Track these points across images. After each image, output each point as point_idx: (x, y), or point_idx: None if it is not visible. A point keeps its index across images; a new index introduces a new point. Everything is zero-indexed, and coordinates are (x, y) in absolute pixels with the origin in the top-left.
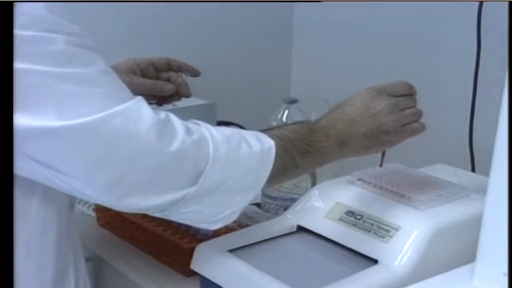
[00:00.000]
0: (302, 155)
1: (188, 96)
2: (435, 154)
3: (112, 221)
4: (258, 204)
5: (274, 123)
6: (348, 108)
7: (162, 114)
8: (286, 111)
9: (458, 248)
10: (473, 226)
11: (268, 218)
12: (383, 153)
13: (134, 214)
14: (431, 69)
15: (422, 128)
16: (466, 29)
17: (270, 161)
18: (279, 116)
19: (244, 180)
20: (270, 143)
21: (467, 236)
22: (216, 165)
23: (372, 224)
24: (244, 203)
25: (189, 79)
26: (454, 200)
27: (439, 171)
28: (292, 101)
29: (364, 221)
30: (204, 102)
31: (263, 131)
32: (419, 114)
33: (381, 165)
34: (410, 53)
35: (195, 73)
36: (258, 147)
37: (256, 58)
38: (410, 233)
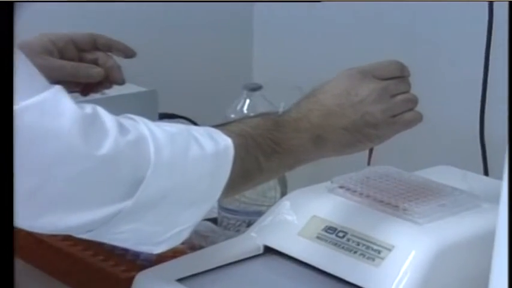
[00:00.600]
0: (268, 155)
1: (121, 82)
2: (437, 153)
3: (24, 245)
4: (213, 220)
5: (233, 116)
6: (324, 96)
7: (88, 107)
8: (248, 101)
9: (466, 273)
10: (486, 244)
11: (228, 237)
12: (370, 152)
13: (53, 236)
14: (429, 49)
15: (419, 118)
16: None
17: (228, 165)
18: (239, 107)
19: (196, 190)
20: (226, 142)
21: (478, 256)
22: (158, 171)
23: (359, 244)
24: (196, 218)
25: (122, 61)
26: (461, 211)
27: (442, 174)
28: (255, 88)
29: (348, 240)
30: (142, 89)
31: (218, 126)
32: (414, 101)
33: (368, 164)
34: (403, 30)
35: (129, 53)
36: (211, 148)
37: (208, 35)
38: (407, 254)
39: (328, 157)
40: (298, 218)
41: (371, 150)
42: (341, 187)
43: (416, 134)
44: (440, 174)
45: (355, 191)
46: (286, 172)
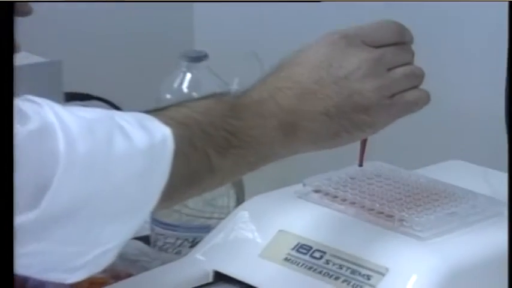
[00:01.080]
0: (222, 151)
1: (16, 50)
2: (447, 145)
3: None
4: (145, 238)
5: (169, 97)
6: (297, 70)
7: None
8: (189, 76)
9: None
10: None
11: (165, 261)
12: (362, 147)
13: None
14: (439, 15)
15: (425, 98)
16: None
17: (165, 164)
18: (176, 84)
19: (122, 197)
20: (164, 132)
21: (498, 279)
22: (71, 172)
23: (341, 267)
24: (123, 235)
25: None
26: (477, 222)
27: (453, 171)
28: (198, 58)
29: (327, 262)
30: (43, 60)
31: (152, 112)
32: (418, 75)
33: (360, 165)
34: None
35: (25, 10)
36: (143, 141)
37: None
38: (406, 279)
39: (303, 153)
40: (259, 234)
41: (363, 144)
42: (317, 191)
43: (422, 121)
44: (450, 172)
45: (335, 197)
46: (245, 173)
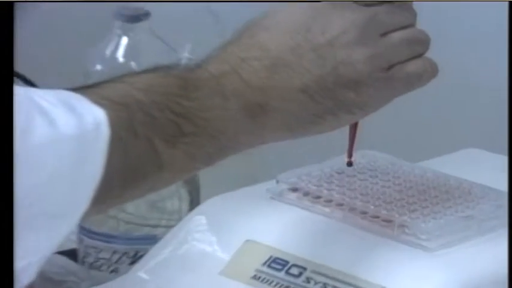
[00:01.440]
0: (170, 138)
1: None
2: (461, 130)
3: None
4: (71, 253)
5: (99, 69)
6: (267, 35)
7: None
8: (125, 40)
9: None
10: None
11: (97, 282)
12: (352, 133)
13: None
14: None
15: (431, 71)
16: None
17: (99, 155)
18: (109, 52)
19: (44, 198)
20: (96, 115)
21: None
22: None
23: (326, 286)
24: (47, 247)
25: None
26: (497, 228)
27: (469, 163)
28: (137, 17)
29: (308, 280)
30: None
31: (81, 89)
32: (422, 41)
33: (349, 159)
34: None
35: None
36: (71, 126)
37: None
38: None
39: (275, 142)
40: (220, 246)
41: (353, 131)
42: (294, 190)
43: (428, 101)
44: (465, 164)
45: (318, 197)
46: (202, 168)
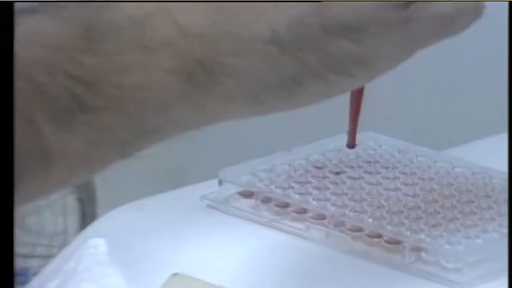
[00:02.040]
0: (62, 116)
1: None
2: (498, 107)
3: None
4: None
5: None
6: None
7: None
8: None
9: None
10: None
11: None
12: (355, 102)
13: None
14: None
15: (474, 11)
16: None
17: None
18: None
19: None
20: None
21: None
22: None
23: None
24: None
25: None
26: None
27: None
28: None
29: None
30: None
31: None
32: None
33: (351, 141)
34: None
35: None
36: None
37: None
38: None
39: (231, 119)
40: (131, 284)
41: (356, 101)
42: (246, 194)
43: (456, 67)
44: (494, 155)
45: (286, 205)
46: (113, 160)
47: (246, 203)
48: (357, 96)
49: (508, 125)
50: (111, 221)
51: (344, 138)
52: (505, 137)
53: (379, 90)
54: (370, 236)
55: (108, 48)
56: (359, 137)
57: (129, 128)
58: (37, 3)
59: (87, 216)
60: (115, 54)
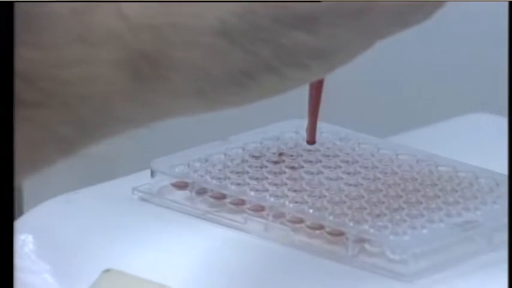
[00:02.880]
0: None
1: None
2: (461, 88)
3: None
4: None
5: None
6: None
7: None
8: None
9: None
10: None
11: None
12: (314, 96)
13: None
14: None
15: None
16: None
17: None
18: None
19: None
20: None
21: None
22: None
23: None
24: None
25: None
26: None
27: (473, 133)
28: None
29: None
30: None
31: None
32: None
33: (311, 138)
34: None
35: None
36: None
37: None
38: None
39: (180, 116)
40: (60, 280)
41: (315, 94)
42: (180, 185)
43: (419, 49)
44: (467, 135)
45: (222, 196)
46: (54, 160)
47: (180, 195)
48: (317, 89)
49: (508, 125)
50: (38, 216)
51: (283, 126)
52: (451, 123)
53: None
54: (312, 227)
55: (48, 41)
56: (298, 124)
57: (72, 124)
58: None
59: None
60: (55, 47)
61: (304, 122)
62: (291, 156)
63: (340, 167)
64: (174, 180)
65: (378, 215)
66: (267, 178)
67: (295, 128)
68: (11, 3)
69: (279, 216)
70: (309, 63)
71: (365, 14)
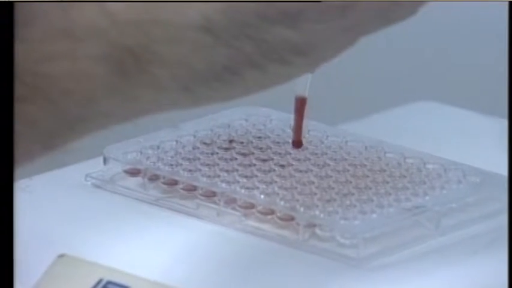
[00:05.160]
0: None
1: None
2: (411, 77)
3: None
4: None
5: None
6: None
7: None
8: None
9: None
10: None
11: None
12: (300, 99)
13: None
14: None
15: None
16: None
17: None
18: None
19: None
20: None
21: None
22: None
23: None
24: None
25: None
26: (468, 224)
27: (421, 120)
28: None
29: None
30: None
31: None
32: None
33: (297, 138)
34: None
35: None
36: None
37: None
38: None
39: (164, 111)
40: (17, 266)
41: (299, 104)
42: (132, 172)
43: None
44: (414, 123)
45: (173, 183)
46: (39, 155)
47: (132, 181)
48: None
49: (508, 125)
50: None
51: (233, 113)
52: (398, 111)
53: None
54: (263, 213)
55: (32, 35)
56: (248, 111)
57: (55, 119)
58: None
59: None
60: (39, 41)
61: (254, 110)
62: (242, 143)
63: (290, 153)
64: (126, 167)
65: (328, 200)
66: (218, 164)
67: (245, 115)
68: (11, 3)
69: (230, 202)
70: (292, 59)
71: (348, 11)
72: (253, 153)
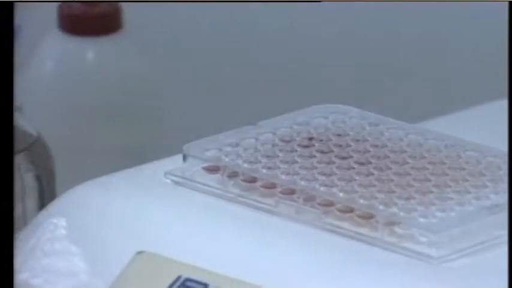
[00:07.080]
0: None
1: None
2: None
3: None
4: None
5: None
6: None
7: None
8: None
9: None
10: None
11: None
12: None
13: None
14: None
15: None
16: None
17: None
18: None
19: None
20: None
21: None
22: None
23: None
24: None
25: None
26: None
27: (494, 123)
28: None
29: None
30: None
31: None
32: None
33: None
34: None
35: None
36: None
37: None
38: None
39: None
40: (93, 264)
41: None
42: (212, 169)
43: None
44: (496, 119)
45: (253, 180)
46: None
47: (212, 179)
48: None
49: (508, 125)
50: (71, 200)
51: (312, 111)
52: (479, 110)
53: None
54: (342, 210)
55: None
56: (327, 109)
57: None
58: None
59: (45, 194)
60: None
61: (333, 107)
62: (321, 140)
63: (369, 151)
64: (206, 164)
65: (407, 198)
66: (297, 162)
67: (324, 113)
68: (11, 3)
69: (309, 199)
70: None
71: None
72: (332, 151)
